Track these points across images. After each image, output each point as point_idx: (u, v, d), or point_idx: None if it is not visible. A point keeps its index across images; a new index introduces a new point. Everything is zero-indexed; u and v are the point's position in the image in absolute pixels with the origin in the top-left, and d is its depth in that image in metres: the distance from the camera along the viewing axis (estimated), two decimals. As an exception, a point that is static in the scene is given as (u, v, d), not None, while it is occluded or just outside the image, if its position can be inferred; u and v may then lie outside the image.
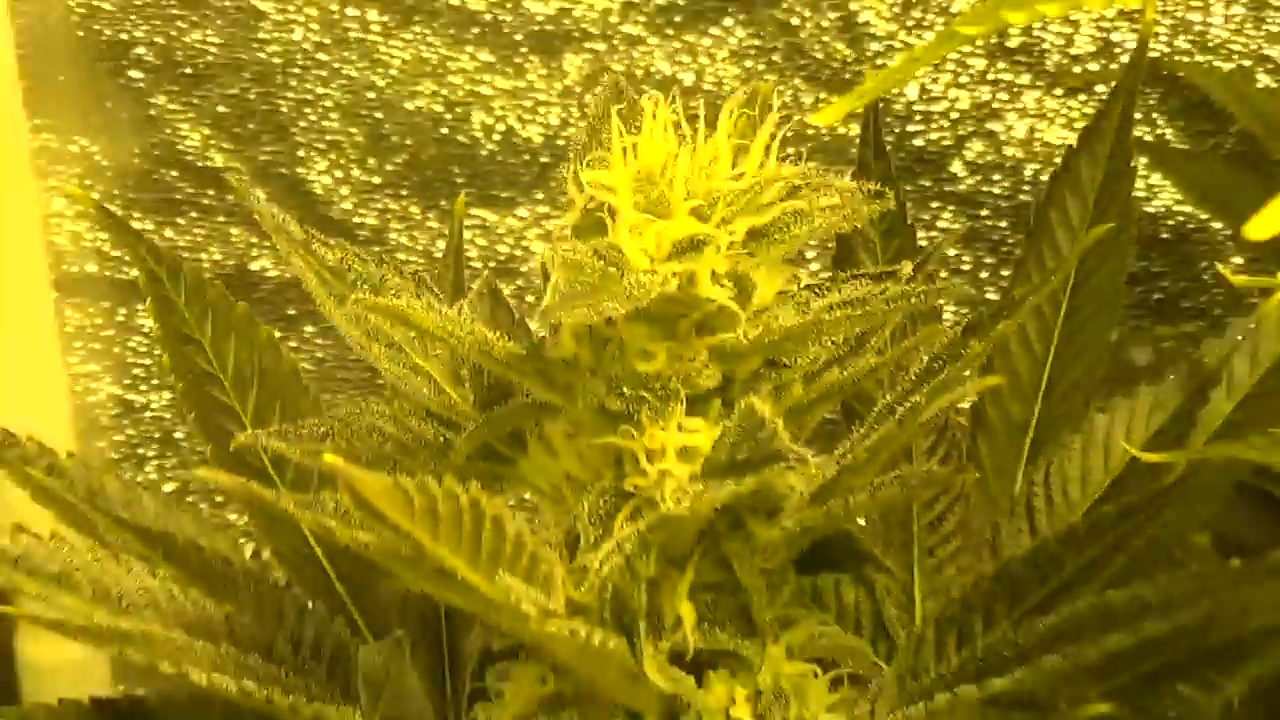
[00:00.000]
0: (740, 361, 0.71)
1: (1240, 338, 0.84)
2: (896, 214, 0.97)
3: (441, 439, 0.73)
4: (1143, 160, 1.37)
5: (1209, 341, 0.87)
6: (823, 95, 1.38)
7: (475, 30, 1.37)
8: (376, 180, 1.39)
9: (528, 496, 0.78)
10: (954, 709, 0.73)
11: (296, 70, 1.35)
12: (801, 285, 0.74)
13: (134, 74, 1.33)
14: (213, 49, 1.33)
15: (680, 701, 0.72)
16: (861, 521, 0.87)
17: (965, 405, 0.94)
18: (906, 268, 0.76)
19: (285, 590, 0.80)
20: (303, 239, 0.77)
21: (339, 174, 1.36)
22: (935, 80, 1.36)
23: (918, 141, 1.36)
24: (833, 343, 0.74)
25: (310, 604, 0.79)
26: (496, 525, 0.68)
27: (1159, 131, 1.37)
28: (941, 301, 1.13)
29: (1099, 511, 0.77)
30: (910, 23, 1.38)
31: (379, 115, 1.36)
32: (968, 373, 0.89)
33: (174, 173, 1.39)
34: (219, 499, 1.49)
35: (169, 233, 1.35)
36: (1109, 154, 0.94)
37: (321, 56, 1.35)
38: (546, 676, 0.73)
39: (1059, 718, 0.73)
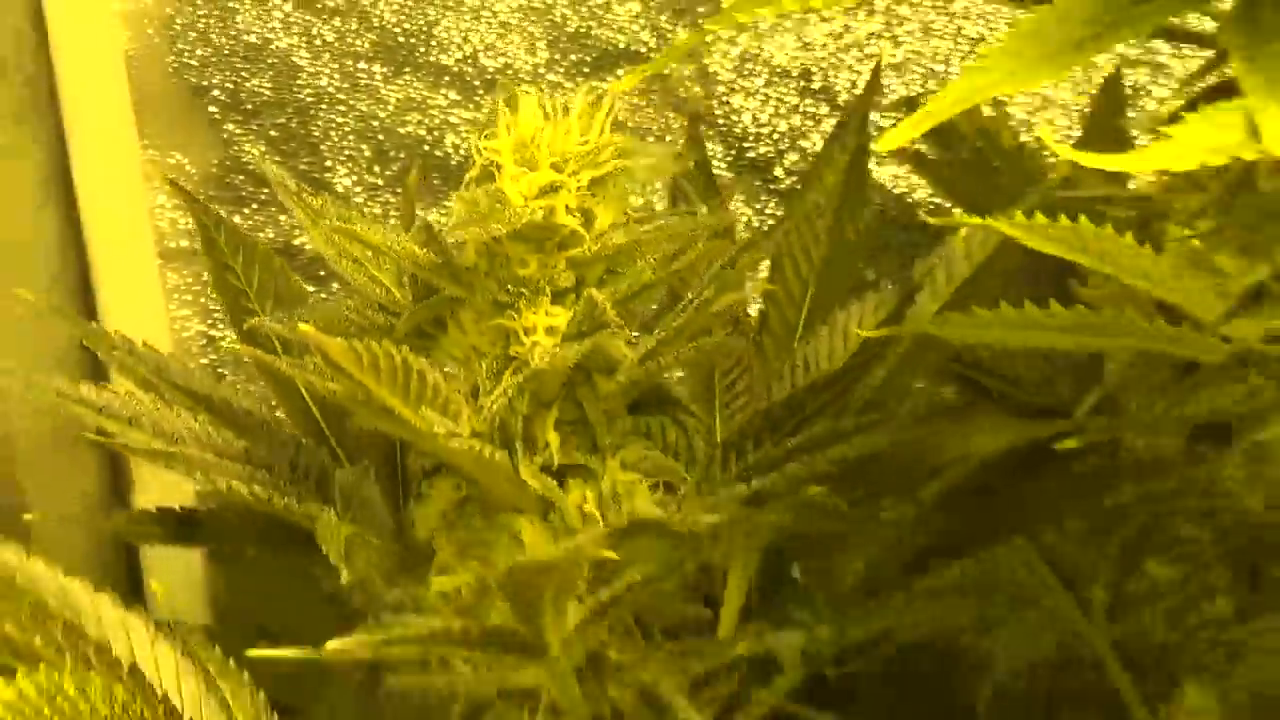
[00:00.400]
0: (588, 269, 0.71)
1: (937, 260, 0.84)
2: (711, 185, 0.94)
3: (389, 323, 0.74)
4: (906, 166, 1.36)
5: (918, 262, 0.86)
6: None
7: (446, 78, 1.36)
8: (380, 183, 1.38)
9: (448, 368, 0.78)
10: (730, 503, 0.74)
11: (324, 107, 1.34)
12: (631, 217, 0.75)
13: (211, 109, 1.32)
14: (265, 91, 1.31)
15: (549, 500, 0.73)
16: (680, 375, 0.87)
17: (755, 312, 0.95)
18: (703, 208, 0.77)
19: (286, 431, 0.81)
20: (296, 190, 0.77)
21: (354, 178, 1.34)
22: (763, 110, 1.36)
23: (751, 154, 1.36)
24: (653, 257, 0.74)
25: (303, 440, 0.79)
26: (420, 377, 0.68)
27: (918, 146, 1.35)
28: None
29: (832, 372, 0.78)
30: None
31: (381, 137, 1.35)
32: (750, 281, 0.89)
33: (240, 177, 1.37)
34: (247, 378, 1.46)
35: (236, 219, 1.33)
36: (852, 146, 0.94)
37: (341, 97, 1.33)
38: (460, 484, 0.73)
39: (794, 501, 0.74)
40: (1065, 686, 0.96)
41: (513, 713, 0.74)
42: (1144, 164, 0.48)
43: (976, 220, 0.73)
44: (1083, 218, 0.67)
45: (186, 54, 1.32)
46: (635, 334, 0.74)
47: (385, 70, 1.33)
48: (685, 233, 0.74)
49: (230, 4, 1.32)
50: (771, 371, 0.84)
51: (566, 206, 0.70)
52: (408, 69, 1.33)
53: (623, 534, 0.71)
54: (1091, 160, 0.49)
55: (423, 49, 1.33)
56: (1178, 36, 0.55)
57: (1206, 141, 0.48)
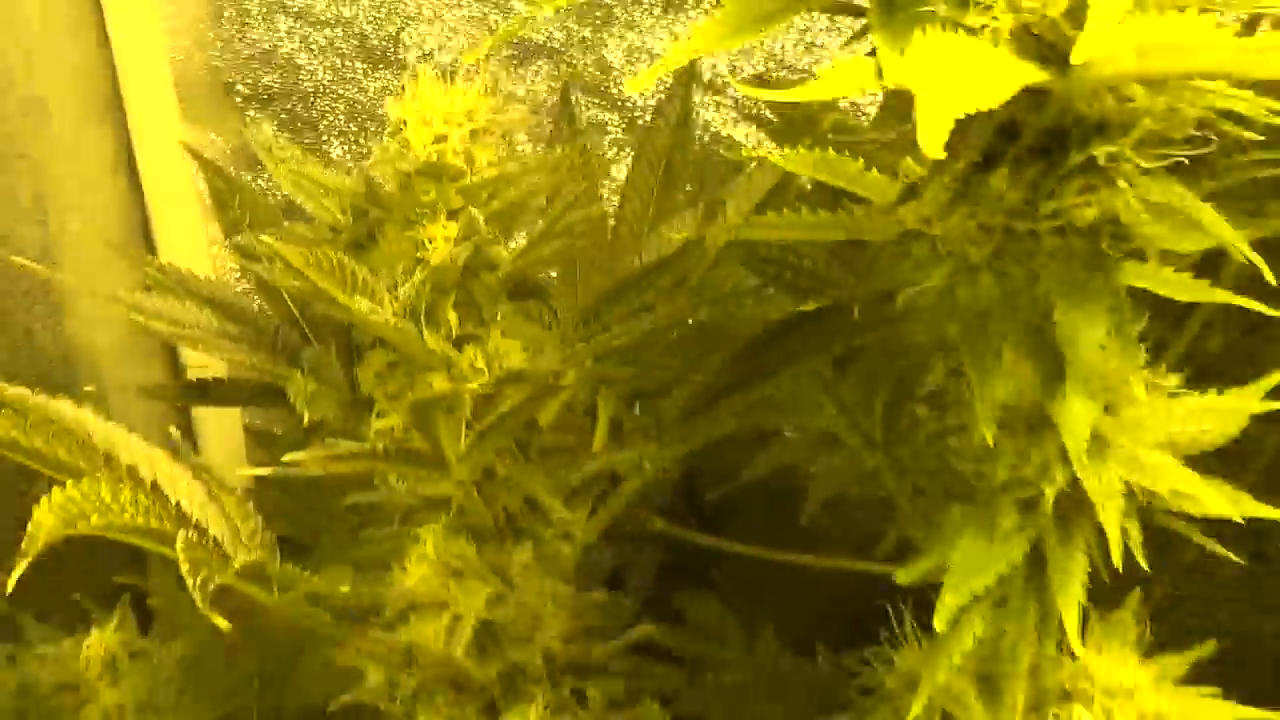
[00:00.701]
0: (472, 196, 0.76)
1: (740, 183, 0.87)
2: (573, 132, 0.95)
3: (334, 238, 0.78)
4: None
5: (726, 184, 0.88)
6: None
7: (409, 72, 1.38)
8: (365, 152, 1.39)
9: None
10: (583, 355, 0.79)
11: (325, 96, 1.36)
12: (507, 158, 0.79)
13: (236, 99, 1.34)
14: (275, 85, 1.34)
15: (449, 360, 0.77)
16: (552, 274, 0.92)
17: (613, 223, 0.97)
18: (560, 151, 0.81)
19: (274, 321, 0.85)
20: (266, 141, 0.81)
21: (345, 149, 1.37)
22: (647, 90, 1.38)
23: (640, 120, 1.38)
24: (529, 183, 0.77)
25: (281, 326, 0.83)
26: (354, 274, 0.72)
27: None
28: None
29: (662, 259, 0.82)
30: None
31: (367, 120, 1.38)
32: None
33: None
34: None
35: (258, 182, 1.35)
36: (680, 103, 0.95)
37: (336, 89, 1.36)
38: (389, 352, 0.77)
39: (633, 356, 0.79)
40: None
41: (433, 516, 0.79)
42: (793, 95, 0.53)
43: (757, 153, 0.78)
44: (818, 149, 0.71)
45: (215, 59, 1.35)
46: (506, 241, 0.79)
47: (366, 67, 1.36)
48: (549, 165, 0.79)
49: (247, 21, 1.35)
50: (621, 265, 0.88)
51: (454, 150, 0.75)
52: (382, 65, 1.36)
53: (501, 381, 0.76)
54: (756, 93, 0.53)
55: (393, 50, 1.36)
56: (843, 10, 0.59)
57: (846, 79, 0.53)
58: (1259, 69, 0.55)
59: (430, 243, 0.74)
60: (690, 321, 0.84)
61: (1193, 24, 0.56)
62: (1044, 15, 0.57)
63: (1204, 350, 0.85)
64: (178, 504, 0.69)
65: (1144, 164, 0.62)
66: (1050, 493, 0.63)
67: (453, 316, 0.75)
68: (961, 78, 0.54)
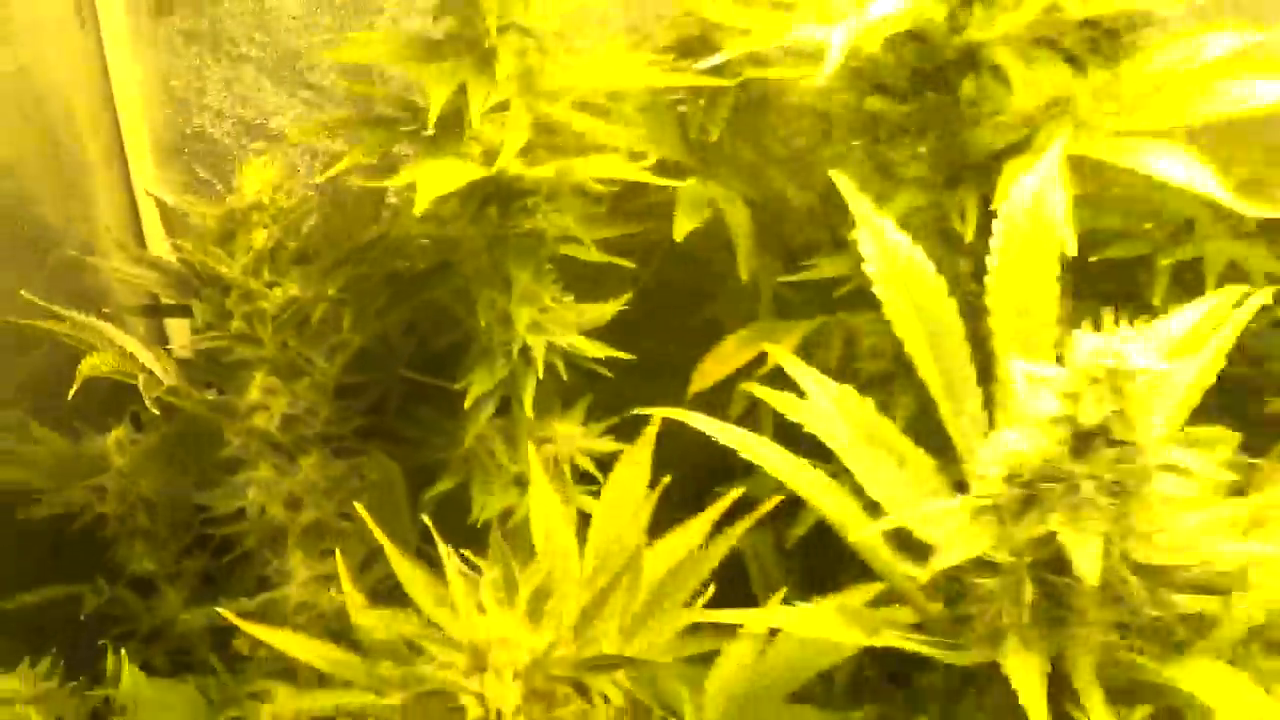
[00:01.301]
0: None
1: None
2: None
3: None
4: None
5: None
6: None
7: None
8: None
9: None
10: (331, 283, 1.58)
11: None
12: None
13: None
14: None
15: (265, 294, 1.56)
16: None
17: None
18: None
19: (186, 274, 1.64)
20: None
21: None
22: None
23: None
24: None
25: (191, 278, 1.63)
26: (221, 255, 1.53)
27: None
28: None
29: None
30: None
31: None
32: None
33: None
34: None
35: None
36: None
37: None
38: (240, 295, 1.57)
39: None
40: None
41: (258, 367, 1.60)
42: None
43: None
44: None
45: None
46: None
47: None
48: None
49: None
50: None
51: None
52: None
53: (288, 301, 1.56)
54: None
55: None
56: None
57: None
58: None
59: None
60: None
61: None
62: (493, 147, 1.37)
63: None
64: (142, 364, 1.50)
65: (554, 204, 1.42)
66: (515, 348, 1.43)
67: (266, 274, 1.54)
68: (446, 175, 1.34)
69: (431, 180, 1.27)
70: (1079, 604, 0.89)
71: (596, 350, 1.36)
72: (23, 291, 1.41)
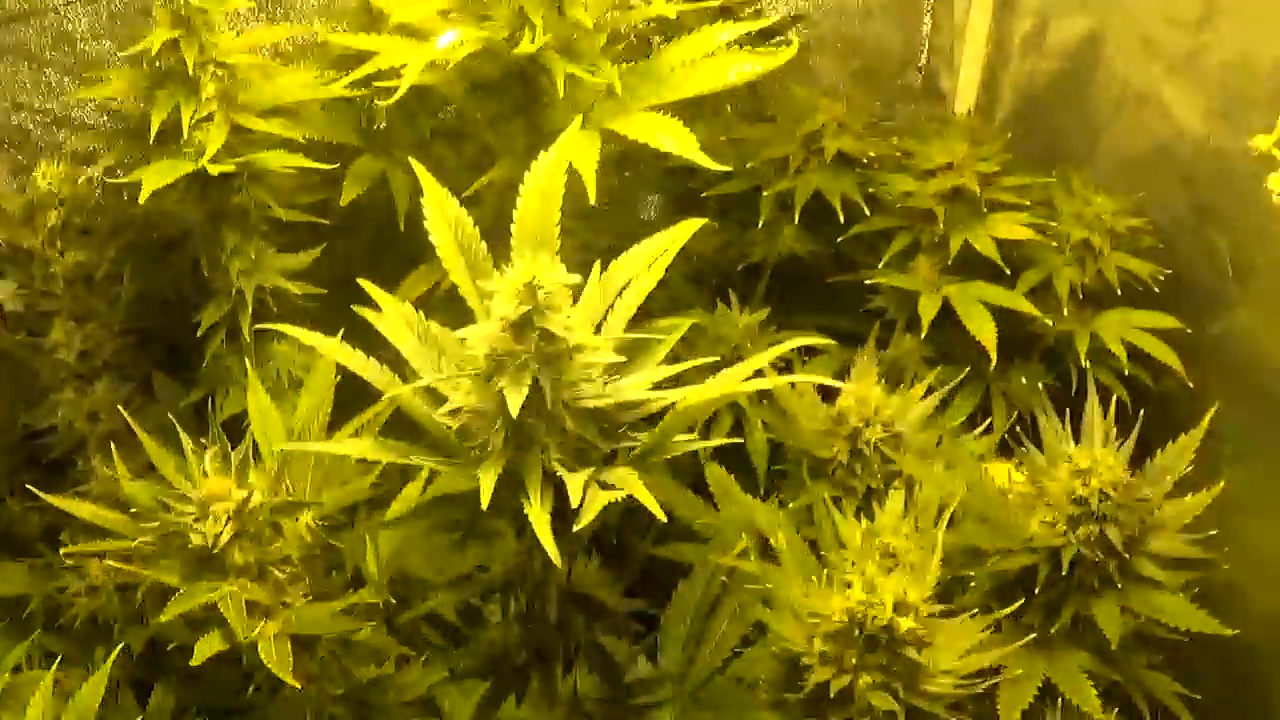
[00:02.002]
0: None
1: None
2: None
3: None
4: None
5: None
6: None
7: None
8: None
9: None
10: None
11: None
12: None
13: None
14: None
15: None
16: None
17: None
18: None
19: None
20: None
21: None
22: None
23: None
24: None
25: None
26: None
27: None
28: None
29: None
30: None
31: None
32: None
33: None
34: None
35: None
36: None
37: None
38: None
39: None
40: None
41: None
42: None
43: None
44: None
45: None
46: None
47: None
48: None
49: None
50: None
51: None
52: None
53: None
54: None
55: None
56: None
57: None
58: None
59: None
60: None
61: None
62: (201, 148, 1.86)
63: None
64: None
65: (258, 184, 1.92)
66: (233, 290, 1.94)
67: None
68: (166, 171, 1.84)
69: (154, 176, 1.77)
70: (536, 433, 1.40)
71: (296, 288, 1.88)
72: None
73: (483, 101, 1.77)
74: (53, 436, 1.93)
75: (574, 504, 1.22)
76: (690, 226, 1.40)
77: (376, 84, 1.75)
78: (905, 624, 1.15)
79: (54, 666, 1.46)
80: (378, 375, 1.42)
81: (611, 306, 1.35)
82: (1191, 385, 1.83)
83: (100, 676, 1.41)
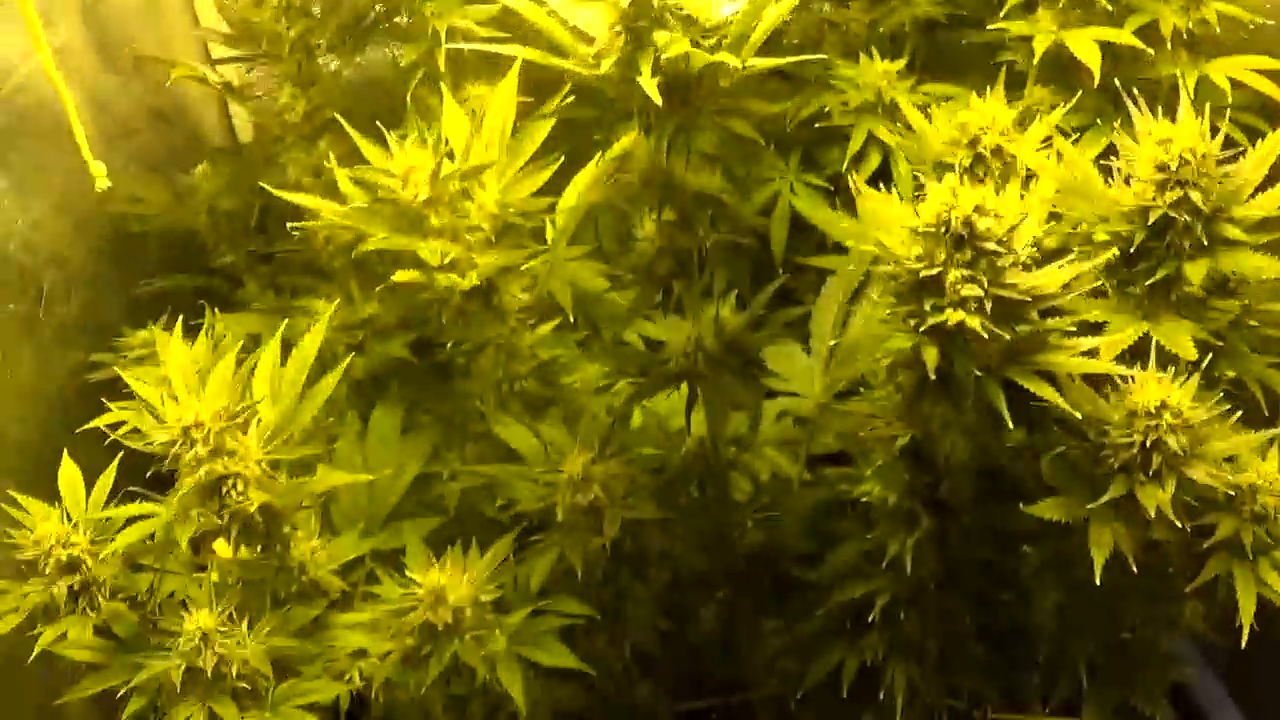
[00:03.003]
0: None
1: None
2: None
3: None
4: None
5: None
6: None
7: None
8: None
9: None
10: None
11: None
12: None
13: None
14: None
15: None
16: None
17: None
18: None
19: None
20: None
21: None
22: None
23: None
24: None
25: None
26: None
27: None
28: None
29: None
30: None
31: None
32: None
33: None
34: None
35: None
36: None
37: None
38: None
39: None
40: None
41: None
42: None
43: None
44: None
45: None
46: None
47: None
48: None
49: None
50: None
51: None
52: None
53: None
54: None
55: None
56: None
57: None
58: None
59: None
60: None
61: None
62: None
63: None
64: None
65: None
66: None
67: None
68: None
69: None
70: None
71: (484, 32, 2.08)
72: None
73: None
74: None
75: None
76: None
77: None
78: (984, 222, 1.34)
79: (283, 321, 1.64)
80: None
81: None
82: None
83: (320, 326, 1.62)
